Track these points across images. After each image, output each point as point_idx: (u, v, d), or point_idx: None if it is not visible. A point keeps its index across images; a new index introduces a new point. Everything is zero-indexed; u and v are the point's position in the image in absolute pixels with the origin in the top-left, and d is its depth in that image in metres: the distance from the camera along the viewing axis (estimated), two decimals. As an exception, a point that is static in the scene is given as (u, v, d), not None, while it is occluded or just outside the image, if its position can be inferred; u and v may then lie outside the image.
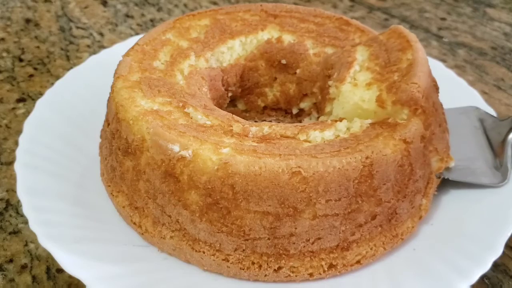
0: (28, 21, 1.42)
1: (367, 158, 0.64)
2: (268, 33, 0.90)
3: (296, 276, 0.67)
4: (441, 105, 0.80)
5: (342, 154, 0.64)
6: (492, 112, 0.90)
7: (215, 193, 0.63)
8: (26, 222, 0.73)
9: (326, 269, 0.67)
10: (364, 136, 0.68)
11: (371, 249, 0.68)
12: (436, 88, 0.78)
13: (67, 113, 0.89)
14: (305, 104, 0.92)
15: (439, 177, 0.77)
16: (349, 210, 0.65)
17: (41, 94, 1.08)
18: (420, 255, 0.70)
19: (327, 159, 0.62)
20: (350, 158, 0.63)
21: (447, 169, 0.78)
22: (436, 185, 0.77)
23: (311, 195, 0.62)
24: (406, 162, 0.67)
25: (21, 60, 1.24)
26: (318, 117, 0.83)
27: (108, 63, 0.84)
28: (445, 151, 0.77)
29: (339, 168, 0.62)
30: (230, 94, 0.91)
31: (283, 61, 0.89)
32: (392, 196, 0.67)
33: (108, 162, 0.77)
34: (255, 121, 0.88)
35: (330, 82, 0.78)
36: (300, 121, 0.94)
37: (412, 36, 0.79)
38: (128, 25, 1.42)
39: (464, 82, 0.99)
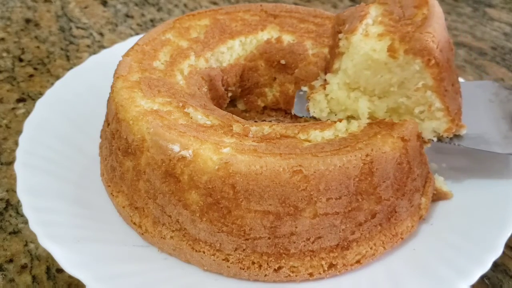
0: (28, 21, 1.42)
1: (367, 155, 0.64)
2: (268, 33, 0.90)
3: (296, 276, 0.67)
4: (455, 67, 0.77)
5: (342, 153, 0.64)
6: None
7: (215, 192, 0.63)
8: (26, 222, 0.73)
9: (326, 269, 0.67)
10: (362, 135, 0.68)
11: (371, 248, 0.68)
12: (451, 48, 0.74)
13: (67, 113, 0.89)
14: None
15: (450, 142, 0.74)
16: (349, 209, 0.65)
17: (41, 94, 1.08)
18: (420, 255, 0.70)
19: (327, 158, 0.63)
20: (351, 156, 0.63)
21: (458, 137, 0.75)
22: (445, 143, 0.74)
23: (312, 193, 0.62)
24: (405, 160, 0.68)
25: (21, 60, 1.24)
26: (325, 75, 0.79)
27: (108, 63, 0.84)
28: (457, 113, 0.73)
29: (339, 166, 0.63)
30: (230, 94, 0.91)
31: (283, 61, 0.89)
32: (392, 194, 0.68)
33: (108, 162, 0.77)
34: (255, 121, 0.88)
35: (340, 35, 0.75)
36: (300, 122, 0.94)
37: None
38: (128, 25, 1.42)
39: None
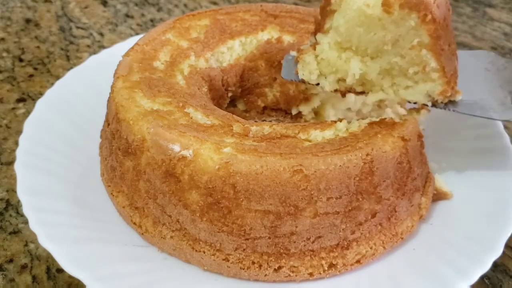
0: (28, 21, 1.42)
1: (367, 155, 0.64)
2: (268, 34, 0.90)
3: (296, 275, 0.67)
4: (452, 29, 0.73)
5: (343, 152, 0.64)
6: None
7: (216, 192, 0.63)
8: (26, 222, 0.73)
9: (326, 269, 0.67)
10: (363, 134, 0.69)
11: (371, 248, 0.68)
12: (448, 7, 0.71)
13: (67, 113, 0.89)
14: (304, 108, 0.91)
15: (444, 108, 0.72)
16: (350, 208, 0.65)
17: (41, 94, 1.08)
18: (420, 255, 0.70)
19: (328, 157, 0.63)
20: (351, 156, 0.64)
21: (453, 103, 0.72)
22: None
23: (312, 193, 0.62)
24: (405, 159, 0.68)
25: (21, 60, 1.24)
26: (315, 36, 0.75)
27: (108, 63, 0.84)
28: (453, 75, 0.70)
29: (340, 165, 0.63)
30: (230, 94, 0.91)
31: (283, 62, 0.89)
32: (392, 194, 0.68)
33: (108, 162, 0.77)
34: (255, 121, 0.88)
35: None
36: (299, 122, 0.94)
37: None
38: (128, 25, 1.42)
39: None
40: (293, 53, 0.80)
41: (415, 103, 0.72)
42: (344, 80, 0.72)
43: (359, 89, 0.74)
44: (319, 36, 0.73)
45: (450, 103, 0.72)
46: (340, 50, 0.71)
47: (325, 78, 0.73)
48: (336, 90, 0.74)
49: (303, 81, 0.75)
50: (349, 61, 0.71)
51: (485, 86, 0.78)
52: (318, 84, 0.74)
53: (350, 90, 0.74)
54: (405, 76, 0.70)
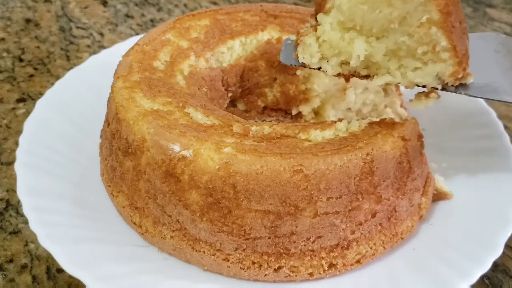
0: (28, 21, 1.42)
1: (367, 155, 0.64)
2: (268, 34, 0.90)
3: (296, 275, 0.67)
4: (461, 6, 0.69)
5: (343, 152, 0.64)
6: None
7: (216, 192, 0.63)
8: (26, 222, 0.73)
9: (326, 269, 0.67)
10: (363, 134, 0.69)
11: (371, 248, 0.68)
12: None
13: (67, 113, 0.89)
14: (304, 108, 0.91)
15: (455, 91, 0.67)
16: (350, 208, 0.65)
17: (41, 94, 1.08)
18: (420, 255, 0.70)
19: (328, 157, 0.63)
20: (351, 155, 0.63)
21: (464, 86, 0.67)
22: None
23: (312, 193, 0.62)
24: (405, 159, 0.68)
25: (21, 60, 1.24)
26: (316, 17, 0.70)
27: (108, 63, 0.84)
28: (464, 55, 0.65)
29: (340, 165, 0.63)
30: (230, 94, 0.91)
31: (283, 62, 0.89)
32: (392, 194, 0.68)
33: (108, 162, 0.77)
34: (255, 121, 0.88)
35: None
36: (300, 122, 0.94)
37: None
38: (128, 25, 1.42)
39: None
40: (293, 37, 0.77)
41: (423, 86, 0.68)
42: (347, 63, 0.69)
43: (363, 72, 0.70)
44: (320, 16, 0.68)
45: (461, 86, 0.67)
46: (343, 31, 0.68)
47: (327, 61, 0.70)
48: (339, 74, 0.71)
49: (303, 65, 0.71)
50: (353, 41, 0.67)
51: (495, 68, 0.74)
52: (320, 68, 0.70)
53: (354, 74, 0.70)
54: (413, 57, 0.66)
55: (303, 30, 0.72)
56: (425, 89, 0.69)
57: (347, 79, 0.73)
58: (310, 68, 0.71)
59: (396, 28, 0.64)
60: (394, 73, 0.68)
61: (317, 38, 0.69)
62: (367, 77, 0.70)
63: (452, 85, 0.67)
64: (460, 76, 0.65)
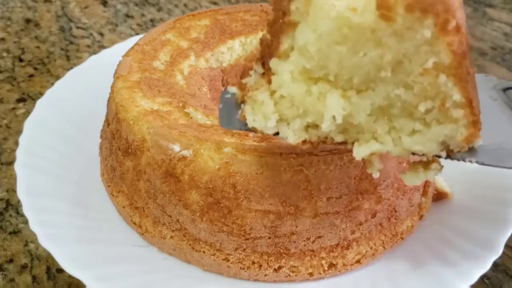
0: (28, 21, 1.42)
1: (367, 154, 0.64)
2: (268, 33, 0.90)
3: (296, 275, 0.67)
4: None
5: (343, 151, 0.64)
6: None
7: (216, 192, 0.63)
8: (26, 222, 0.73)
9: (326, 269, 0.67)
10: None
11: (371, 248, 0.68)
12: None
13: (67, 113, 0.89)
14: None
15: (463, 159, 0.51)
16: (350, 208, 0.65)
17: (41, 94, 1.08)
18: (420, 255, 0.70)
19: (328, 157, 0.63)
20: (351, 155, 0.63)
21: (472, 151, 0.50)
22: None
23: (312, 193, 0.62)
24: (405, 159, 0.68)
25: (21, 60, 1.24)
26: (269, 63, 0.50)
27: (108, 63, 0.84)
28: (480, 112, 0.49)
29: (340, 165, 0.63)
30: (230, 94, 0.90)
31: (283, 62, 0.88)
32: (392, 193, 0.68)
33: (108, 162, 0.77)
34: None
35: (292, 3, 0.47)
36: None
37: None
38: (128, 25, 1.42)
39: None
40: (232, 89, 0.55)
41: (422, 154, 0.51)
42: (316, 126, 0.50)
43: (338, 138, 0.52)
44: (274, 62, 0.49)
45: (469, 152, 0.51)
46: (310, 82, 0.49)
47: (288, 124, 0.51)
48: (304, 142, 0.52)
49: (253, 130, 0.52)
50: (324, 97, 0.48)
51: (500, 123, 0.57)
52: (277, 133, 0.52)
53: (325, 140, 0.52)
54: (411, 116, 0.48)
55: (249, 79, 0.53)
56: (423, 158, 0.52)
57: (314, 147, 0.53)
58: (262, 133, 0.53)
59: (388, 77, 0.46)
60: (382, 139, 0.50)
61: (272, 93, 0.50)
62: (343, 143, 0.52)
63: (459, 151, 0.50)
64: (474, 140, 0.49)
